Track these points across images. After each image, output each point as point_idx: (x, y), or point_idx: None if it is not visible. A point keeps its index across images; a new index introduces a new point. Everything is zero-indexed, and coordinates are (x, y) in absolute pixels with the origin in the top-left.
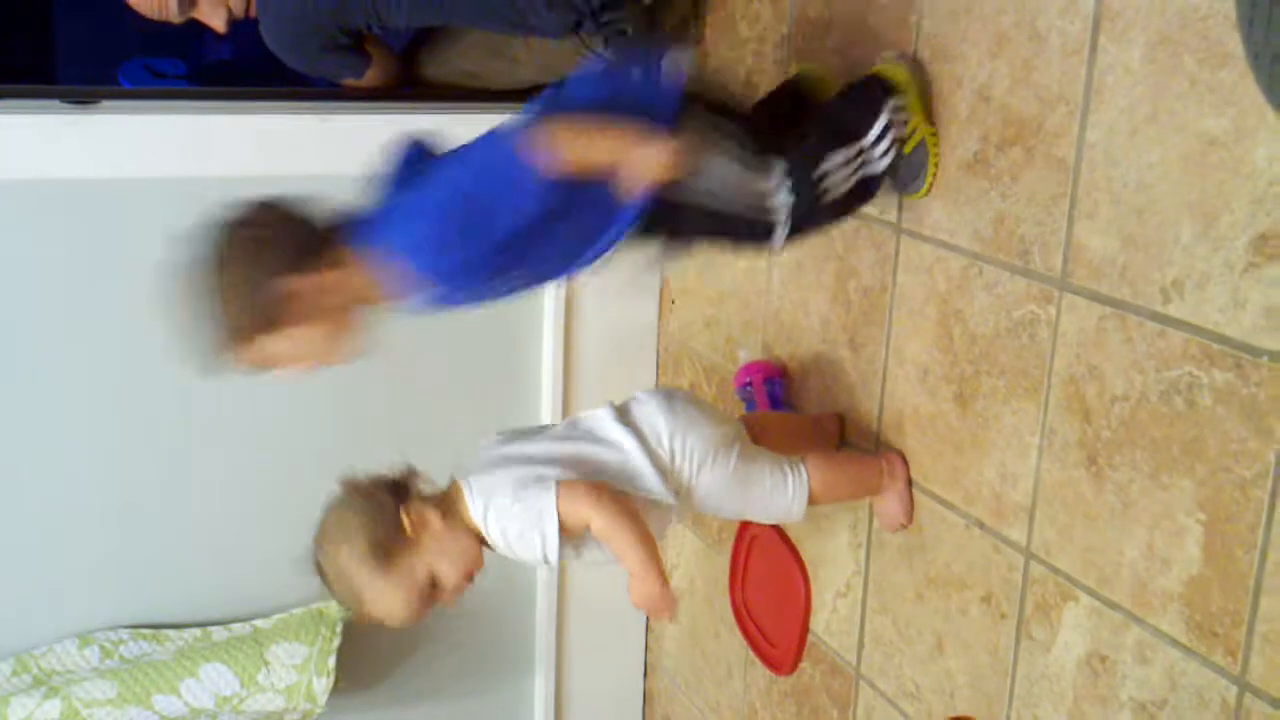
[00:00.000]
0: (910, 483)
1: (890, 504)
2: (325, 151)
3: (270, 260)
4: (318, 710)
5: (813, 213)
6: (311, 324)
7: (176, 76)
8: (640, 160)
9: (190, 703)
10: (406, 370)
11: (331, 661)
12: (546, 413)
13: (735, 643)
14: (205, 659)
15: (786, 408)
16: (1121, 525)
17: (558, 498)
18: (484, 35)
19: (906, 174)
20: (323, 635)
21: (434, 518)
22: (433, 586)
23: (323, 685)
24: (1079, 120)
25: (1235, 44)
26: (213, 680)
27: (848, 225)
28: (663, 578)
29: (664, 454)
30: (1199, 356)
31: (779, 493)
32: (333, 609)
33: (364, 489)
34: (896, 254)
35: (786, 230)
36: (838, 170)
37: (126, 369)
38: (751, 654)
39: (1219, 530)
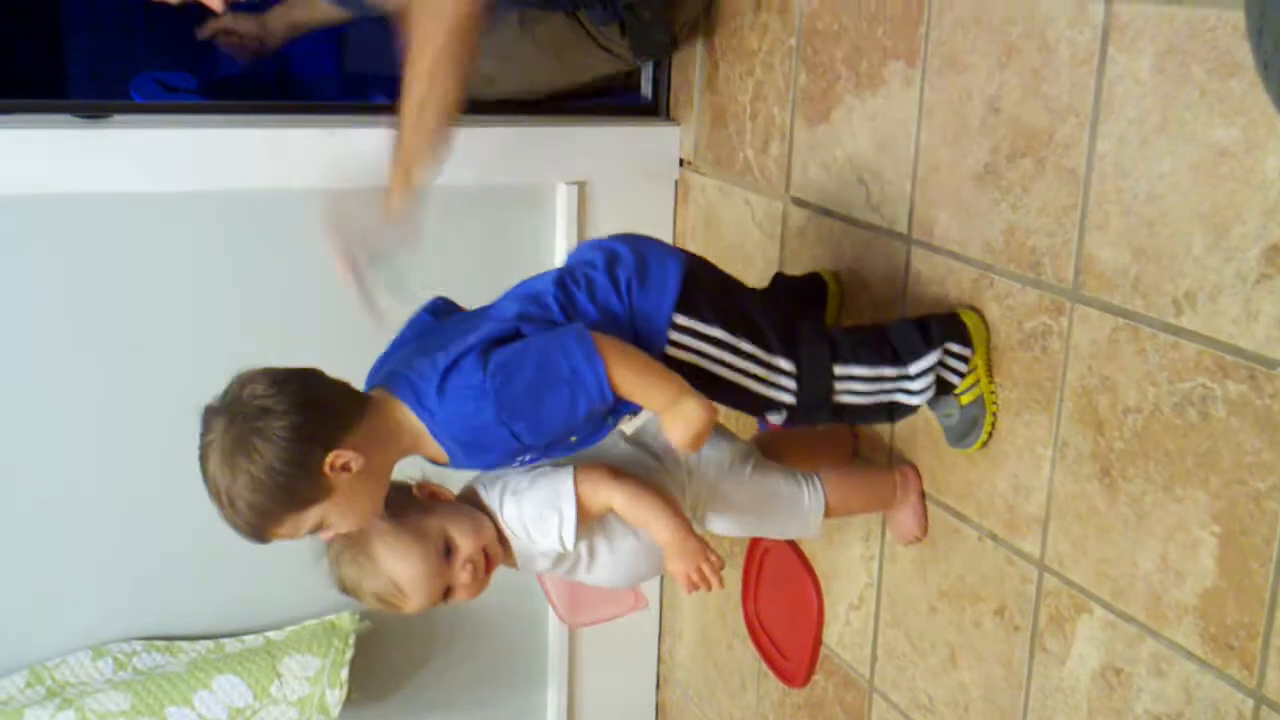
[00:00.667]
0: (924, 496)
1: (904, 518)
2: (334, 164)
3: (309, 441)
4: None
5: (820, 408)
6: (354, 493)
7: (187, 90)
8: (685, 413)
9: (203, 714)
10: None
11: (344, 673)
12: None
13: (748, 655)
14: (218, 671)
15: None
16: (1135, 537)
17: (576, 480)
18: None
19: (961, 427)
20: (335, 647)
21: (446, 492)
22: (449, 553)
23: (335, 697)
24: (1089, 131)
25: (1244, 54)
26: (226, 692)
27: (859, 236)
28: (701, 545)
29: (679, 470)
30: (1212, 368)
31: (795, 507)
32: (345, 620)
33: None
34: (907, 265)
35: (783, 417)
36: (860, 383)
37: (137, 381)
38: (764, 666)
39: (1234, 543)
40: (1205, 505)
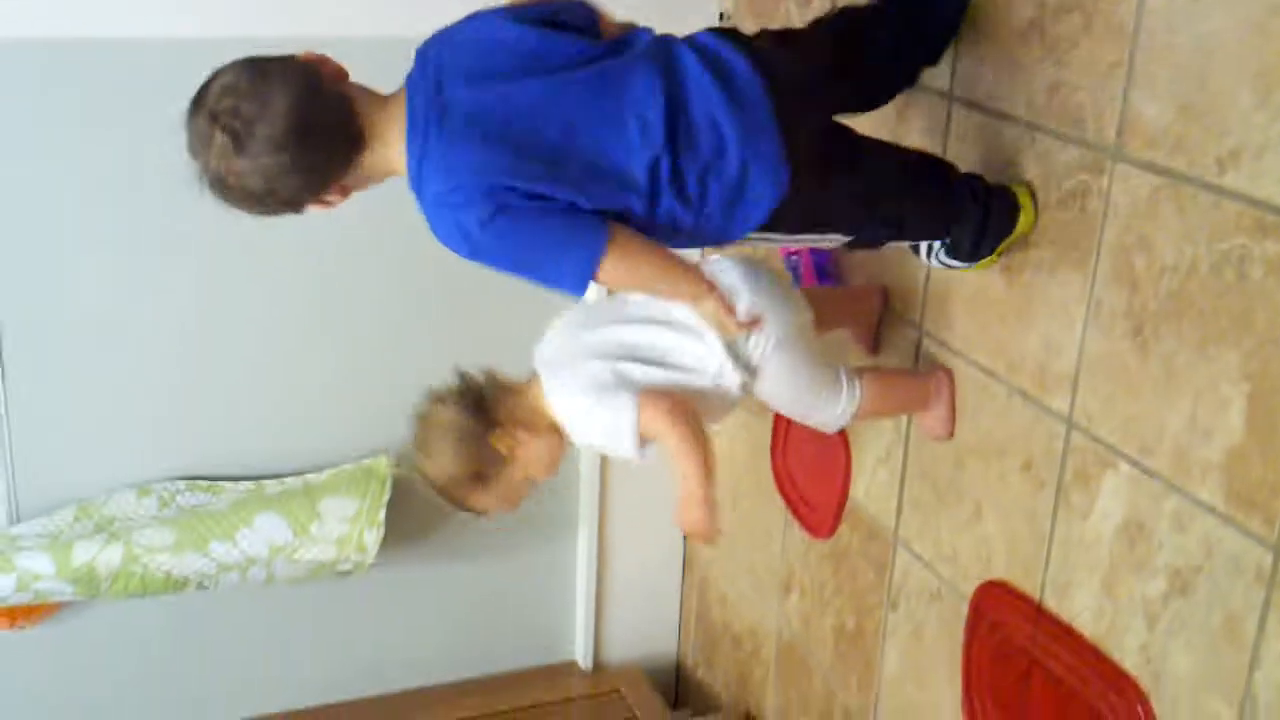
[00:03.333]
0: (954, 401)
1: (933, 420)
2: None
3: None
4: (368, 561)
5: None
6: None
7: None
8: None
9: (245, 550)
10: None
11: (381, 515)
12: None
13: (775, 507)
14: (259, 510)
15: (832, 280)
16: (1165, 395)
17: (639, 411)
18: None
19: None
20: (373, 490)
21: (524, 436)
22: (529, 484)
23: (373, 537)
24: None
25: None
26: (267, 530)
27: (899, 97)
28: (713, 509)
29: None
30: (1252, 228)
31: (831, 401)
32: (382, 465)
33: (452, 416)
34: (948, 122)
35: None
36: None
37: (191, 230)
38: (791, 518)
39: (1263, 401)
40: (1236, 365)
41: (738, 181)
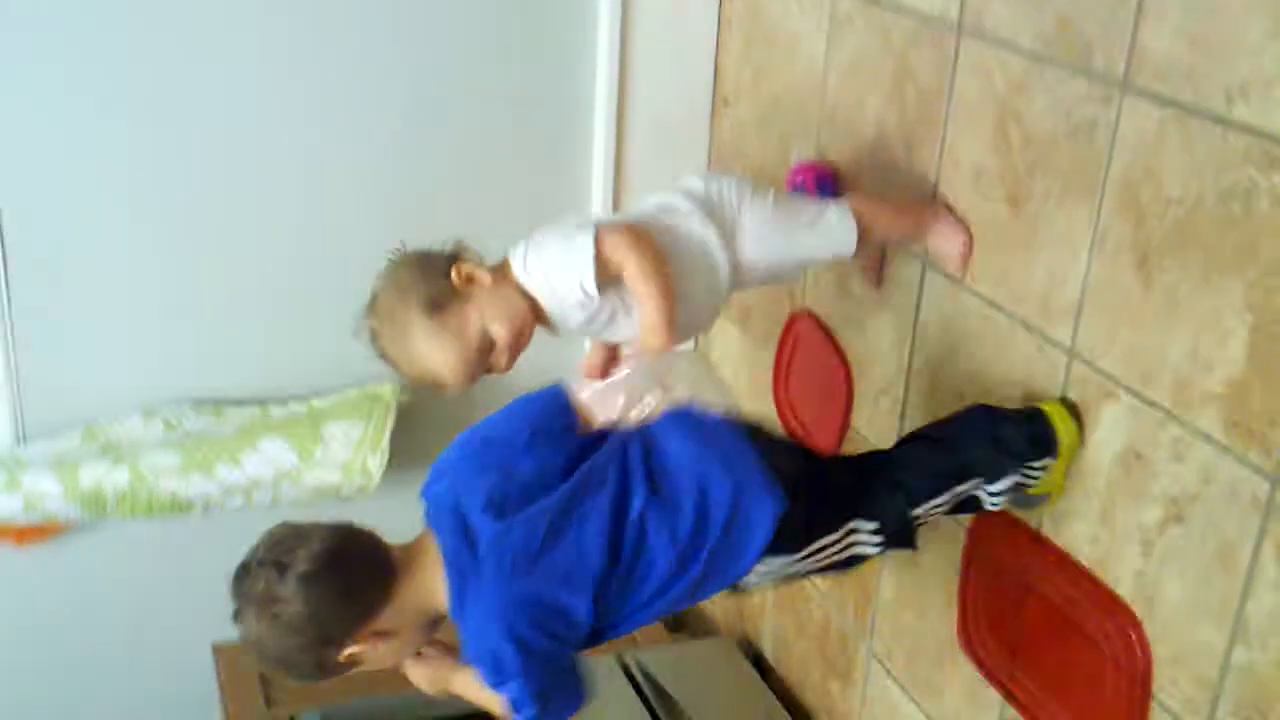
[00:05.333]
0: (958, 221)
1: (943, 238)
2: None
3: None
4: (373, 485)
5: (908, 537)
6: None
7: None
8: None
9: (251, 474)
10: (458, 159)
11: (386, 440)
12: (596, 210)
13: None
14: (264, 434)
15: (833, 194)
16: (1167, 327)
17: (597, 236)
18: None
19: (1019, 500)
20: (377, 415)
21: (483, 274)
22: (486, 341)
23: (377, 462)
24: None
25: None
26: (272, 454)
27: (907, 25)
28: (674, 330)
29: (704, 199)
30: (1260, 160)
31: (819, 220)
32: (387, 390)
33: (414, 255)
34: (956, 54)
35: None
36: (941, 507)
37: (202, 151)
38: None
39: (1265, 332)
40: (1240, 296)
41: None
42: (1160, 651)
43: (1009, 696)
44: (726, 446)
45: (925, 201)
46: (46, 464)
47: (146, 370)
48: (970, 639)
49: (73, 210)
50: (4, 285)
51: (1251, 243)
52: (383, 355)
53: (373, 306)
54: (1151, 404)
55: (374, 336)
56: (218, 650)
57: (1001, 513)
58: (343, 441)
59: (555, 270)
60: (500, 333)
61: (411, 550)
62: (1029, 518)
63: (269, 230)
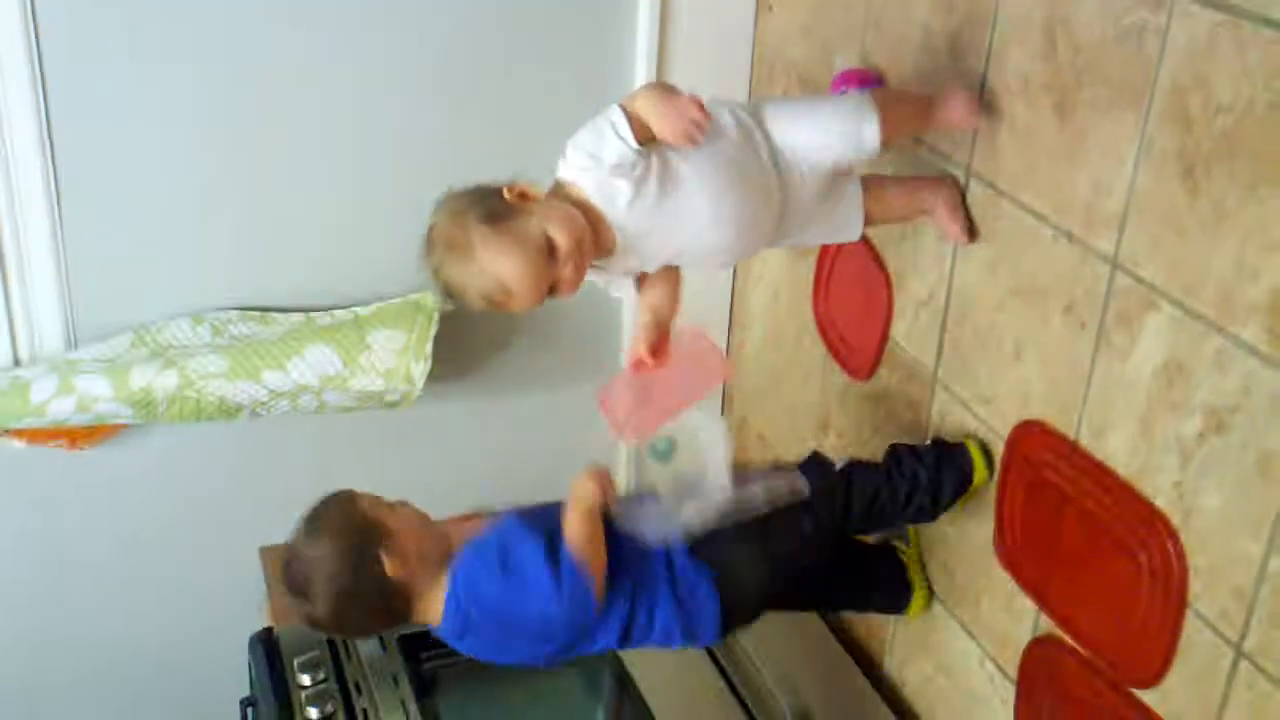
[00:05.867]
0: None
1: (953, 110)
2: None
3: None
4: (415, 392)
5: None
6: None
7: None
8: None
9: (297, 379)
10: (500, 81)
11: (428, 348)
12: None
13: (815, 349)
14: (310, 340)
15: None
16: (1213, 237)
17: (623, 104)
18: None
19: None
20: (419, 323)
21: (535, 190)
22: (548, 245)
23: (420, 370)
24: None
25: None
26: (318, 360)
27: None
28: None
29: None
30: None
31: (838, 105)
32: (429, 299)
33: (464, 187)
34: None
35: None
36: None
37: (247, 66)
38: (830, 360)
39: None
40: None
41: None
42: (1197, 562)
43: (1045, 606)
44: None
45: (937, 94)
46: (98, 367)
47: (193, 277)
48: (1007, 550)
49: (121, 119)
50: (55, 193)
51: None
52: (447, 286)
53: (429, 239)
54: (1195, 315)
55: (436, 269)
56: (264, 552)
57: (1041, 424)
58: (387, 348)
59: (591, 140)
60: (560, 235)
61: (431, 589)
62: (1067, 430)
63: (314, 141)
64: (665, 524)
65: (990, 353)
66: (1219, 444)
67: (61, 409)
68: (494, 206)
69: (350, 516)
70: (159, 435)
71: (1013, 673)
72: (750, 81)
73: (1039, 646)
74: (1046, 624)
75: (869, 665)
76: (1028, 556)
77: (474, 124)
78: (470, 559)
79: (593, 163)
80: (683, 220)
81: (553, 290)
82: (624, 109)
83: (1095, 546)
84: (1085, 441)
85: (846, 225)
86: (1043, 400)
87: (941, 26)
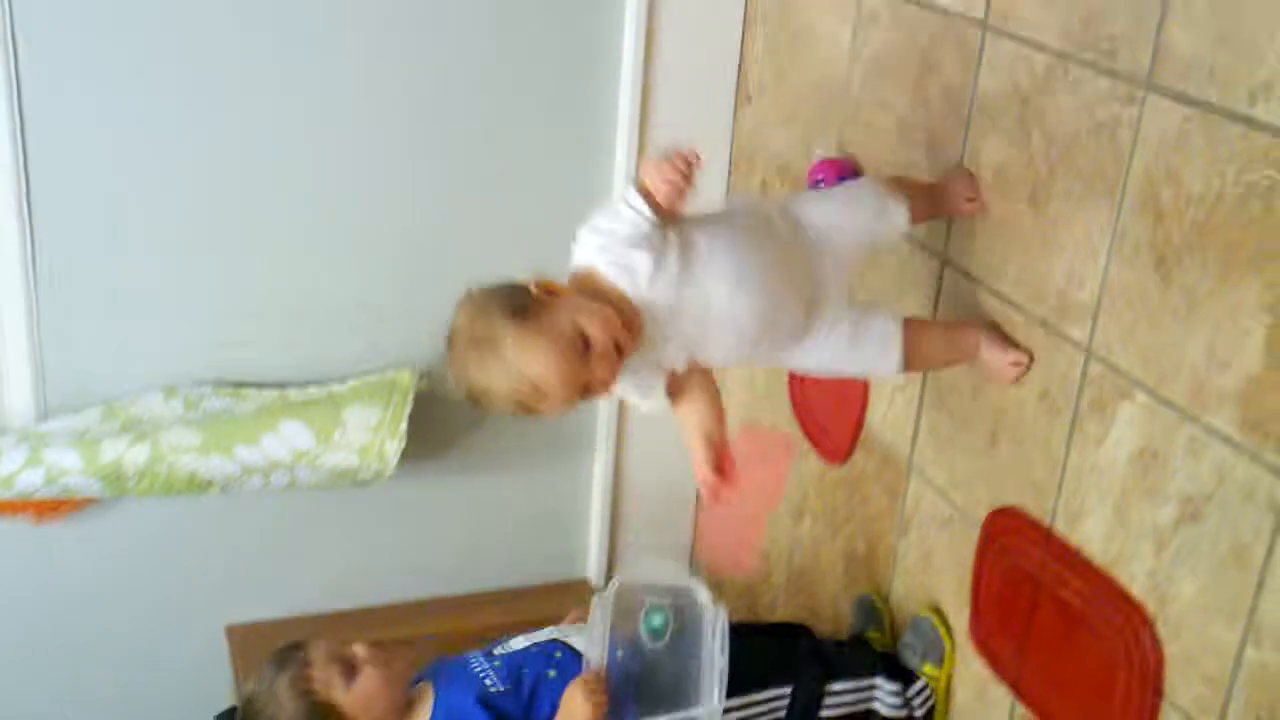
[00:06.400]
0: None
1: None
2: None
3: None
4: (389, 470)
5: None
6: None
7: None
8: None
9: (269, 455)
10: (480, 159)
11: (403, 426)
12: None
13: (791, 433)
14: (284, 416)
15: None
16: (1185, 326)
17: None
18: None
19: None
20: (395, 401)
21: (561, 285)
22: (581, 340)
23: (394, 448)
24: None
25: None
26: (291, 436)
27: (933, 21)
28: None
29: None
30: None
31: (879, 198)
32: (406, 377)
33: (485, 286)
34: (981, 51)
35: None
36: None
37: (223, 134)
38: (807, 443)
39: None
40: (1258, 296)
41: None
42: (1172, 650)
43: (1019, 694)
44: None
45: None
46: (68, 439)
47: (168, 350)
48: (982, 636)
49: (100, 193)
50: (30, 263)
51: (1271, 243)
52: (472, 390)
53: (451, 340)
54: (1168, 403)
55: (460, 372)
56: (230, 631)
57: (1016, 511)
58: (361, 425)
59: (604, 219)
60: (594, 329)
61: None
62: (1042, 517)
63: (292, 217)
64: None
65: (965, 439)
66: (1194, 531)
67: (30, 481)
68: (522, 302)
69: (303, 697)
70: (124, 510)
71: None
72: (729, 173)
73: None
74: (1023, 714)
75: None
76: (1003, 643)
77: (452, 217)
78: None
79: (607, 239)
80: (707, 290)
81: (586, 391)
82: (636, 185)
83: (1071, 635)
84: (1060, 528)
85: (884, 352)
86: (1018, 486)
87: (918, 120)
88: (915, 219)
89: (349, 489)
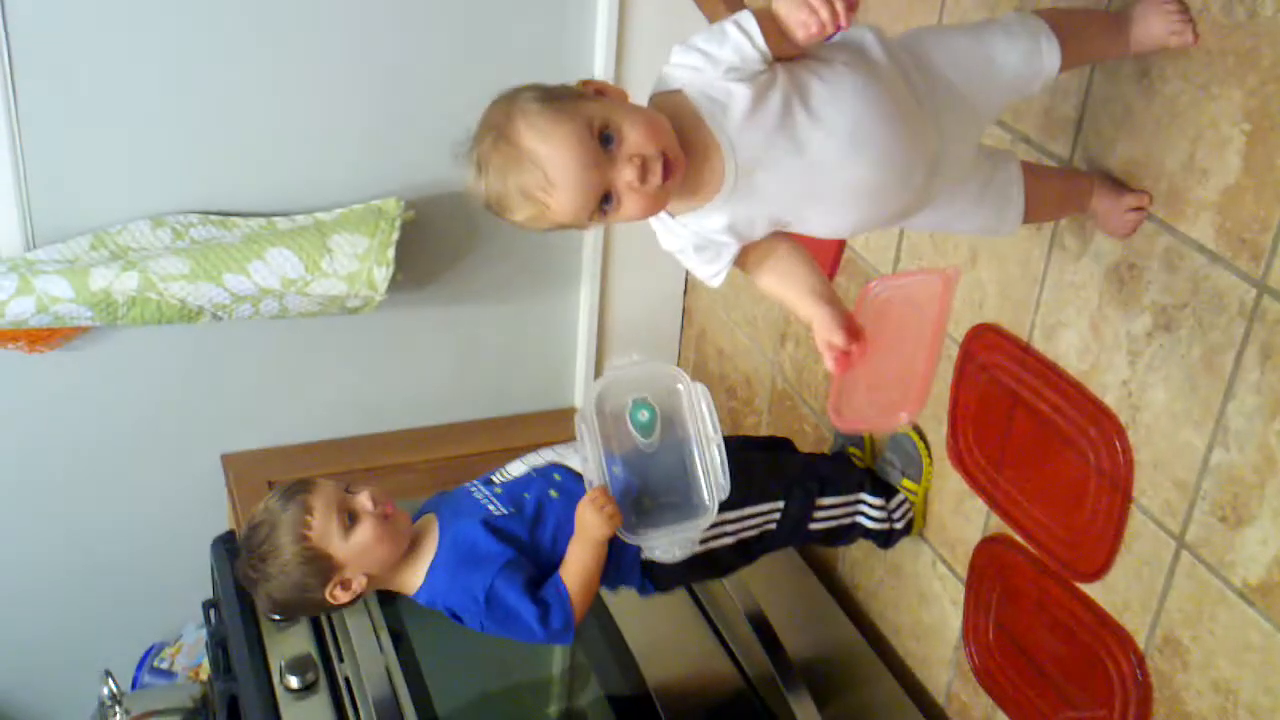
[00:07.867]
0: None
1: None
2: None
3: None
4: (378, 297)
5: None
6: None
7: None
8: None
9: (258, 282)
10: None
11: (391, 253)
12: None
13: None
14: (271, 244)
15: None
16: (1166, 137)
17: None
18: None
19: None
20: (382, 228)
21: (615, 89)
22: (608, 141)
23: (383, 274)
24: None
25: None
26: (279, 263)
27: None
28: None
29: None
30: None
31: (1008, 23)
32: (391, 205)
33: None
34: None
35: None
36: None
37: None
38: None
39: (1262, 139)
40: (1239, 104)
41: None
42: (1142, 457)
43: (995, 506)
44: None
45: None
46: (57, 268)
47: (154, 178)
48: (958, 451)
49: (84, 19)
50: (11, 92)
51: (1253, 49)
52: (488, 192)
53: (475, 132)
54: (1147, 215)
55: (477, 169)
56: (226, 460)
57: (995, 328)
58: (349, 253)
59: (707, 39)
60: (629, 127)
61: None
62: (1020, 332)
63: (279, 45)
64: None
65: (945, 256)
66: (1167, 341)
67: (21, 310)
68: (557, 90)
69: (299, 542)
70: (118, 340)
71: (963, 573)
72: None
73: (988, 546)
74: (997, 524)
75: (822, 570)
76: (980, 458)
77: (441, 37)
78: (453, 595)
79: (705, 62)
80: (811, 150)
81: (606, 198)
82: (753, 11)
83: (1045, 446)
84: (1038, 343)
85: (1004, 209)
86: (997, 303)
87: None
88: (1077, 60)
89: (341, 317)
